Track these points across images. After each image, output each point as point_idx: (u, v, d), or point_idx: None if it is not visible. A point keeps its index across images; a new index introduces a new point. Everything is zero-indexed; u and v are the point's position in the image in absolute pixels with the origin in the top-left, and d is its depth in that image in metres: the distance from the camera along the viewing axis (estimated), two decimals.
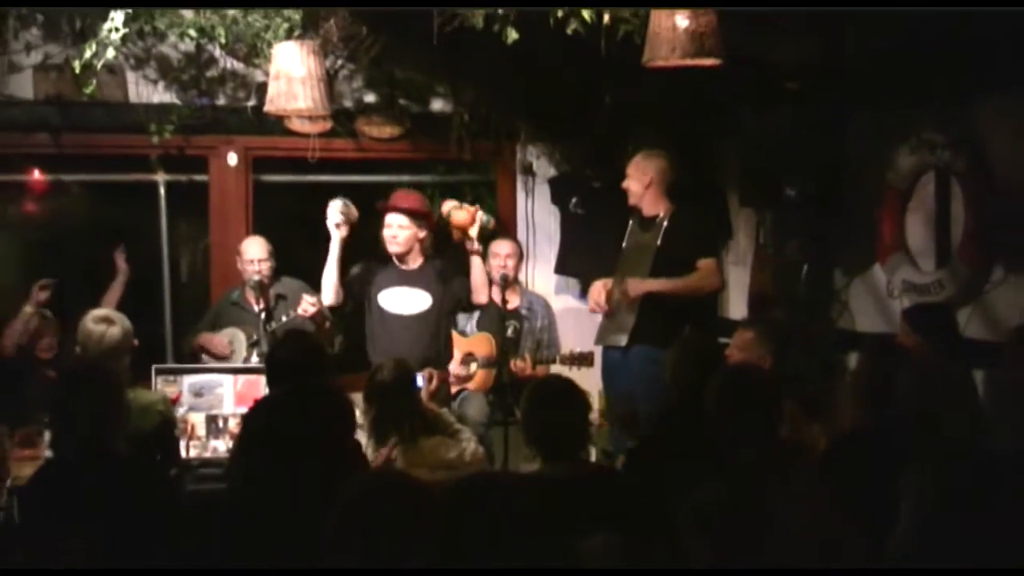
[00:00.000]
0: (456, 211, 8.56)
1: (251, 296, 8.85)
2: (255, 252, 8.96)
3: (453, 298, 8.81)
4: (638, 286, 8.42)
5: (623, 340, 8.55)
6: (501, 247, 9.43)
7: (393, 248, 8.59)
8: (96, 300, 9.16)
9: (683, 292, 8.44)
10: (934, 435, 5.15)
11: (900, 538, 4.05)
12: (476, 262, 8.71)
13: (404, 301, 8.54)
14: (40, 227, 12.39)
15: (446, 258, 8.99)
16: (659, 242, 8.59)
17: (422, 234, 8.60)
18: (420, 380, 7.91)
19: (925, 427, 5.26)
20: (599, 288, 8.77)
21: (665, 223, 8.61)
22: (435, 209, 8.99)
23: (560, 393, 5.56)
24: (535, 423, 5.50)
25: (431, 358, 8.45)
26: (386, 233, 8.59)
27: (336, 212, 8.37)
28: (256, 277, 8.81)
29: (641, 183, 8.64)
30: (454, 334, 9.13)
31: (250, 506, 4.63)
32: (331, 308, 8.62)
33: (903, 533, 4.05)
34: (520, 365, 8.85)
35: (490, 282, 8.94)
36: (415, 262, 8.65)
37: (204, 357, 8.88)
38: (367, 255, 8.77)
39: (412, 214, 8.58)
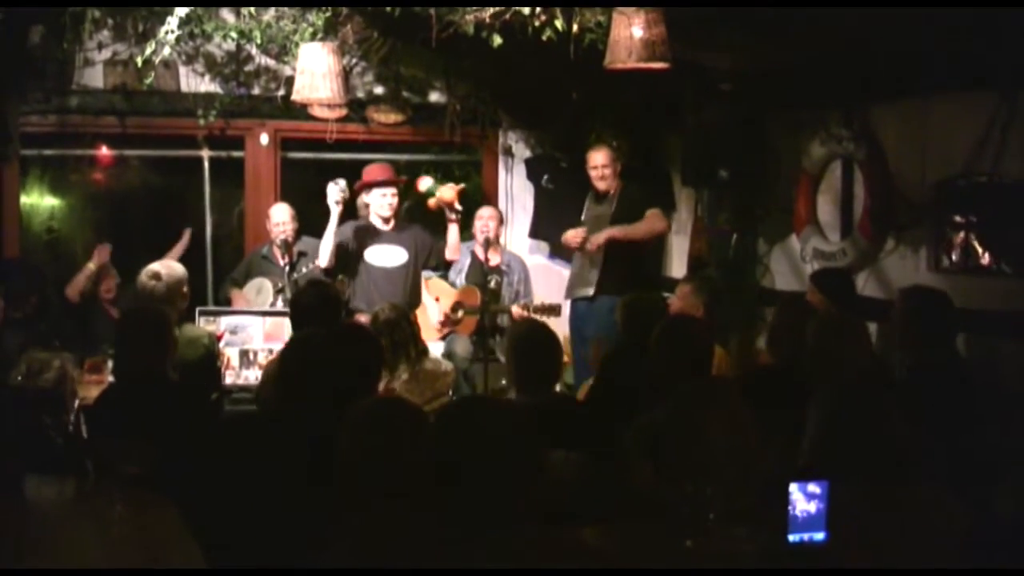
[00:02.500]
0: (444, 188, 8.82)
1: (277, 252, 8.87)
2: (282, 216, 8.99)
3: (427, 254, 9.04)
4: (599, 237, 8.53)
5: (590, 292, 8.71)
6: (485, 213, 9.46)
7: (386, 214, 8.81)
8: (151, 252, 9.21)
9: (637, 234, 8.62)
10: (833, 372, 5.22)
11: (806, 452, 4.09)
12: (454, 228, 8.94)
13: (386, 256, 8.68)
14: (107, 192, 12.44)
15: (418, 222, 9.30)
16: (613, 210, 8.78)
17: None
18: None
19: (826, 366, 5.33)
20: (572, 230, 8.90)
21: (616, 196, 8.82)
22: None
23: (542, 338, 5.57)
24: (521, 361, 5.51)
25: (407, 302, 8.51)
26: (381, 202, 8.81)
27: (337, 191, 8.47)
28: (282, 236, 8.83)
29: (613, 171, 8.80)
30: (446, 285, 9.22)
31: (297, 428, 4.60)
32: (324, 270, 8.71)
33: (808, 448, 4.08)
34: (518, 312, 8.89)
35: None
36: (392, 223, 8.84)
37: (248, 291, 8.95)
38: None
39: (397, 185, 8.91)
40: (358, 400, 4.00)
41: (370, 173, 8.85)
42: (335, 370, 4.81)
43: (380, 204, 8.79)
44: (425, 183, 8.95)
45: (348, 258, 8.76)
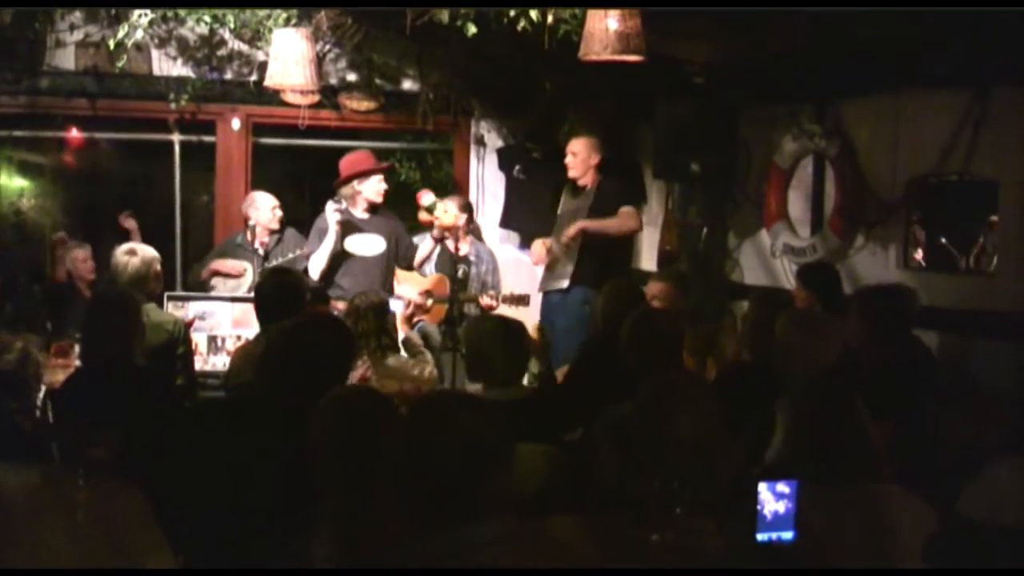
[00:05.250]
0: (444, 214, 8.78)
1: (251, 238, 8.84)
2: (272, 201, 9.03)
3: (405, 249, 9.09)
4: (571, 230, 8.50)
5: (564, 284, 8.68)
6: (455, 202, 9.42)
7: (379, 200, 8.86)
8: (120, 235, 9.19)
9: (609, 230, 8.58)
10: (801, 368, 5.22)
11: (776, 448, 4.09)
12: (430, 243, 9.07)
13: (365, 244, 8.68)
14: (76, 174, 12.39)
15: (394, 216, 9.25)
16: (591, 204, 8.68)
17: None
18: (399, 305, 8.06)
19: (794, 362, 5.33)
20: (539, 245, 8.90)
21: (594, 191, 8.72)
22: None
23: (499, 332, 5.53)
24: (477, 359, 5.49)
25: (384, 290, 8.53)
26: (377, 188, 8.83)
27: (336, 212, 8.53)
28: (277, 220, 8.96)
29: (586, 161, 8.74)
30: (414, 274, 9.19)
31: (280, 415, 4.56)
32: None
33: (776, 445, 4.08)
34: (486, 302, 8.85)
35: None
36: (373, 212, 8.85)
37: (214, 282, 8.88)
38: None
39: (386, 171, 8.97)
40: (328, 388, 3.98)
41: (362, 161, 8.84)
42: (302, 358, 4.77)
43: (376, 190, 8.82)
44: (428, 198, 8.92)
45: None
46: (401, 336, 7.50)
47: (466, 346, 5.80)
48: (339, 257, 8.67)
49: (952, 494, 3.78)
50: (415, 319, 8.92)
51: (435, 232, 8.91)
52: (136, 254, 6.90)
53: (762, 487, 3.62)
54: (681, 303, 7.41)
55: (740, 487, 3.77)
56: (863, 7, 6.02)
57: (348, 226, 8.70)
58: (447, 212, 8.79)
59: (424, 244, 9.09)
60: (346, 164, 8.85)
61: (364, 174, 8.79)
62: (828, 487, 3.79)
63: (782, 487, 3.63)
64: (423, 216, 9.07)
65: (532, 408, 5.27)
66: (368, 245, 8.71)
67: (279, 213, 8.97)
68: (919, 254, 7.26)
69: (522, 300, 8.71)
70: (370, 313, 6.94)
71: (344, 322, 5.78)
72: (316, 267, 8.59)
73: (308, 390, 4.24)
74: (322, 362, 4.75)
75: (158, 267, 7.04)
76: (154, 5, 8.65)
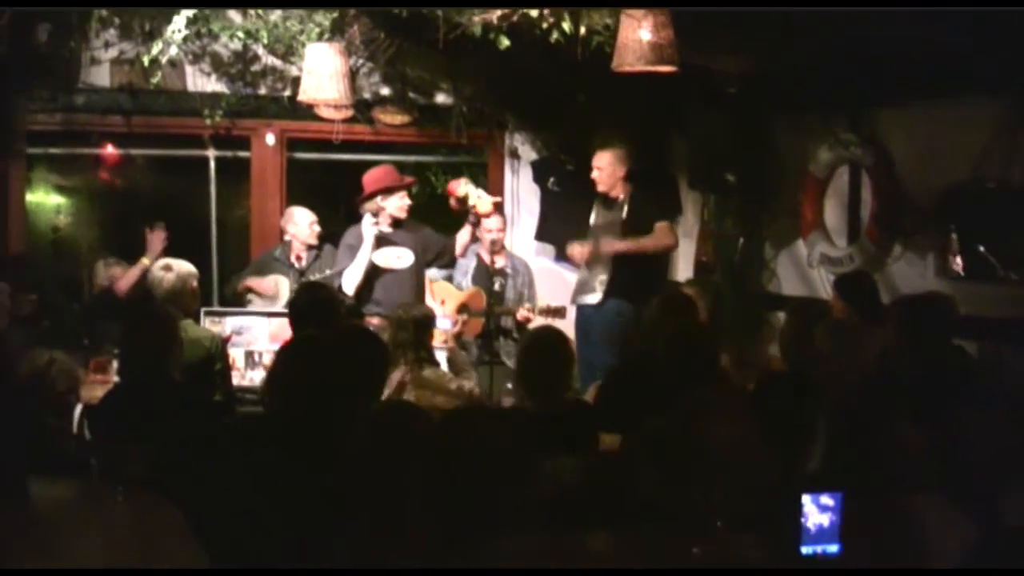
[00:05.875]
0: (482, 200, 8.97)
1: (291, 253, 8.90)
2: (310, 216, 9.08)
3: (435, 255, 9.18)
4: (611, 245, 8.49)
5: (597, 298, 8.62)
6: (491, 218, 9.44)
7: (404, 215, 8.88)
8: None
9: (645, 249, 8.54)
10: (841, 378, 5.19)
11: (816, 460, 4.06)
12: (469, 230, 9.17)
13: (393, 258, 8.69)
14: (112, 191, 12.43)
15: (423, 223, 9.34)
16: (624, 217, 8.64)
17: None
18: (447, 323, 8.03)
19: (834, 372, 5.30)
20: (577, 246, 8.87)
21: (626, 203, 8.67)
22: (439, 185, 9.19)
23: (552, 344, 5.55)
24: (529, 366, 5.49)
25: (412, 302, 8.47)
26: (400, 204, 8.86)
27: (374, 225, 8.59)
28: (315, 235, 9.04)
29: (613, 175, 8.70)
30: (452, 288, 9.20)
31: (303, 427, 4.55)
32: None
33: (819, 455, 4.05)
34: (524, 314, 8.85)
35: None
36: (398, 225, 8.87)
37: (250, 296, 8.89)
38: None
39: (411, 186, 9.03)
40: (361, 401, 3.98)
41: (386, 177, 8.85)
42: (336, 372, 4.77)
43: (400, 206, 8.85)
44: (463, 188, 8.96)
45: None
46: (446, 354, 7.49)
47: (516, 357, 5.85)
48: (370, 272, 8.66)
49: (991, 503, 3.75)
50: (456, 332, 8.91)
51: (471, 217, 9.02)
52: (172, 269, 6.93)
53: (806, 499, 3.59)
54: (708, 312, 7.40)
55: (781, 500, 3.74)
56: (890, 7, 6.00)
57: (376, 240, 8.69)
58: (481, 199, 8.91)
59: (462, 232, 9.19)
60: (369, 180, 8.86)
61: (387, 191, 8.79)
62: (868, 497, 3.77)
63: (826, 499, 3.60)
64: (455, 204, 9.11)
65: (571, 419, 5.27)
66: (396, 258, 8.71)
67: (317, 228, 9.02)
68: (957, 263, 7.20)
69: (558, 312, 8.70)
70: (411, 324, 6.94)
71: (376, 335, 5.76)
72: (351, 282, 8.57)
73: (340, 403, 4.23)
74: (355, 373, 4.75)
75: (194, 283, 7.06)
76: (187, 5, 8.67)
